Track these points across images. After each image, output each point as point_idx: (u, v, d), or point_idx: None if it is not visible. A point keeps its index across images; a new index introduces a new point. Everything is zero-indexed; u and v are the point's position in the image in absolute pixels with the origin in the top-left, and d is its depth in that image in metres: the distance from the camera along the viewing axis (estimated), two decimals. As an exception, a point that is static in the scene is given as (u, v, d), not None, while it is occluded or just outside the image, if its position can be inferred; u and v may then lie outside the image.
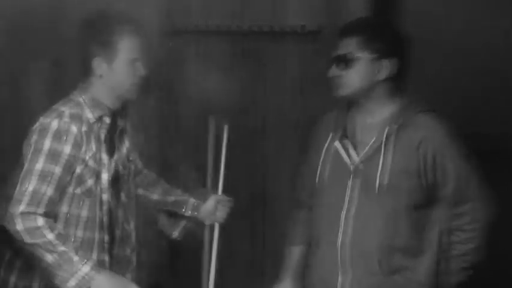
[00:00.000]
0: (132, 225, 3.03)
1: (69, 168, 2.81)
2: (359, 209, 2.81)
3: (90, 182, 2.86)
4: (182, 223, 3.20)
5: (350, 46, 2.83)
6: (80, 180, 2.84)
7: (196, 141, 3.72)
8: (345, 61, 2.83)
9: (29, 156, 2.81)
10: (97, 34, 2.88)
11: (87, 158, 2.85)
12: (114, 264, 2.95)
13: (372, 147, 2.82)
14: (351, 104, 2.92)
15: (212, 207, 3.16)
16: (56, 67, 4.03)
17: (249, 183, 4.15)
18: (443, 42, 4.28)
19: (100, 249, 2.90)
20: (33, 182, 2.76)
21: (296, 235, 3.06)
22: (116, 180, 2.96)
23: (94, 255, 2.87)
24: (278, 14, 4.17)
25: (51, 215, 2.79)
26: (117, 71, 2.89)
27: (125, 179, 3.01)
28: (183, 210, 3.18)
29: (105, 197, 2.90)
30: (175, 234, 3.21)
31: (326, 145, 2.92)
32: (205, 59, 4.17)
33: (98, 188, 2.89)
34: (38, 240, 2.73)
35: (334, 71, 2.86)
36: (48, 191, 2.77)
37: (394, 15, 4.22)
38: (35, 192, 2.76)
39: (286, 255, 3.06)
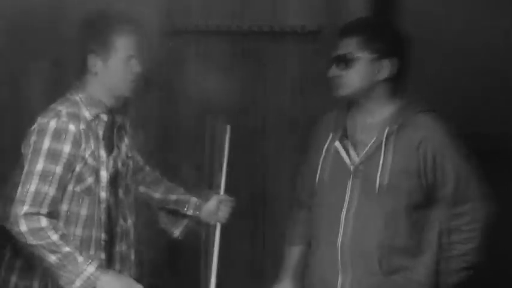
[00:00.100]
0: (130, 222, 3.02)
1: (69, 167, 2.81)
2: (359, 209, 2.81)
3: (90, 180, 2.86)
4: (184, 222, 3.19)
5: (350, 46, 2.83)
6: (80, 178, 2.84)
7: (196, 141, 3.72)
8: (345, 61, 2.83)
9: (29, 157, 2.81)
10: (94, 33, 2.88)
11: (86, 156, 2.85)
12: (111, 262, 2.95)
13: (372, 147, 2.82)
14: (351, 104, 2.91)
15: (214, 207, 3.16)
16: (56, 67, 4.02)
17: (249, 183, 4.15)
18: (443, 42, 4.27)
19: (96, 247, 2.89)
20: (35, 183, 2.76)
21: (296, 235, 3.05)
22: (114, 178, 2.96)
23: (91, 253, 2.86)
24: (278, 14, 4.16)
25: (54, 215, 2.79)
26: (112, 68, 2.88)
27: (123, 175, 3.01)
28: (185, 209, 3.17)
29: (103, 194, 2.90)
30: (177, 233, 3.20)
31: (326, 145, 2.91)
32: (205, 59, 4.17)
33: (97, 186, 2.89)
34: (42, 242, 2.73)
35: (334, 71, 2.86)
36: (50, 190, 2.77)
37: (394, 15, 4.22)
38: (37, 193, 2.76)
39: (286, 255, 3.06)
